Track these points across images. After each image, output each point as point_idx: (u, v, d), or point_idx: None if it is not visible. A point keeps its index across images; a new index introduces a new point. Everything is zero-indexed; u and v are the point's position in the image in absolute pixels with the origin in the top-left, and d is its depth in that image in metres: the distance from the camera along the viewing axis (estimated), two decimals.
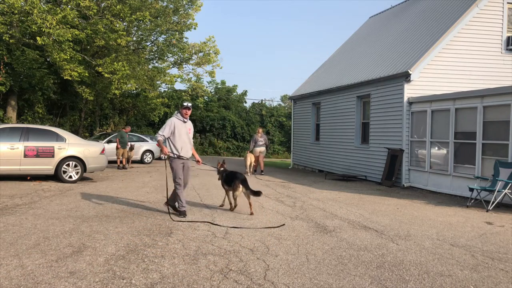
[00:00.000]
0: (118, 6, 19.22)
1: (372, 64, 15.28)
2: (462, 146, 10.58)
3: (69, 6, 18.44)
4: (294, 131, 20.92)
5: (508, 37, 13.01)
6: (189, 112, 7.23)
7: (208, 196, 9.10)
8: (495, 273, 4.60)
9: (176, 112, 7.48)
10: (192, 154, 7.42)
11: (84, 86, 20.29)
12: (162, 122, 31.61)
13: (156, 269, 4.39)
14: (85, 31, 18.61)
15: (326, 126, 17.36)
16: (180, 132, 7.16)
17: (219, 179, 7.96)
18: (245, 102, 36.27)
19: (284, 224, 6.71)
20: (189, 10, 23.74)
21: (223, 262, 4.67)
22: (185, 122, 7.24)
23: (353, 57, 18.41)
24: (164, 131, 7.13)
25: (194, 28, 24.14)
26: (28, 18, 17.54)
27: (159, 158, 22.30)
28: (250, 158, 15.42)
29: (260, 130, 16.56)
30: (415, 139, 12.20)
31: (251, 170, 15.58)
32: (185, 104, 7.19)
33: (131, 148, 17.73)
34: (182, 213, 7.17)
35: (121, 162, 17.17)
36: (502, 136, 9.41)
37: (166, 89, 31.21)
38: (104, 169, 12.91)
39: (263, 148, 15.94)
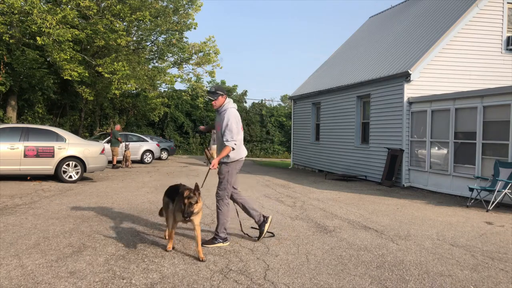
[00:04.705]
0: (118, 6, 19.23)
1: (372, 64, 15.28)
2: (462, 146, 10.58)
3: (69, 6, 18.45)
4: (294, 131, 20.92)
5: (508, 37, 13.01)
6: (214, 104, 5.34)
7: (208, 196, 9.09)
8: (495, 273, 4.59)
9: None
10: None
11: (84, 86, 20.31)
12: (162, 122, 31.63)
13: (156, 269, 4.39)
14: (85, 31, 18.62)
15: (326, 126, 17.36)
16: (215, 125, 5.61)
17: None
18: (245, 102, 36.29)
19: (273, 235, 5.97)
20: (189, 10, 23.77)
21: (223, 262, 4.67)
22: (219, 114, 5.45)
23: (353, 57, 18.41)
24: None
25: (194, 28, 24.18)
26: (28, 18, 17.55)
27: (159, 158, 22.36)
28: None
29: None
30: (415, 139, 12.20)
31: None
32: (207, 91, 5.48)
33: (127, 147, 17.77)
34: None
35: (117, 161, 17.30)
36: (502, 136, 9.41)
37: (166, 89, 31.23)
38: (104, 169, 12.91)
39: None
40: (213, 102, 5.33)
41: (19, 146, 10.99)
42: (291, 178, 14.58)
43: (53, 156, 11.33)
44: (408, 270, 4.60)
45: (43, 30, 16.91)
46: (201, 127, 5.95)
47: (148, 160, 20.10)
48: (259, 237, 5.66)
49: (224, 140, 5.18)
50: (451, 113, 10.90)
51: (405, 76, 12.25)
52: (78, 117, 24.14)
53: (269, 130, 34.52)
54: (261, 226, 5.67)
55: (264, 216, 5.73)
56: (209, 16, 79.06)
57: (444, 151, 11.21)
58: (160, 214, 5.79)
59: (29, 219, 6.64)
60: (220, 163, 5.32)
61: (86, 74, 18.72)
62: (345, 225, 6.81)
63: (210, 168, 5.18)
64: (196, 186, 4.76)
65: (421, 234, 6.31)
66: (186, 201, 4.65)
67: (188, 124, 32.06)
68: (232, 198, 5.58)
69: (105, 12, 19.64)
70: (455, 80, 12.52)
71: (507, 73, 13.01)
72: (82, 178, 11.98)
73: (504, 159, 9.25)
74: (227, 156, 5.27)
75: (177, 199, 4.92)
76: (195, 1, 23.68)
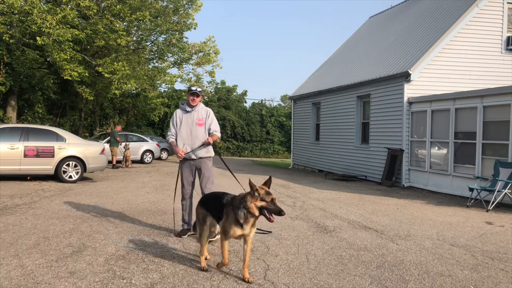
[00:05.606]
0: (118, 6, 19.24)
1: (372, 64, 15.28)
2: (462, 146, 10.58)
3: (69, 6, 18.46)
4: (294, 131, 20.92)
5: (508, 37, 13.01)
6: (196, 99, 5.73)
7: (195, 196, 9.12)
8: (495, 273, 4.59)
9: (181, 102, 6.33)
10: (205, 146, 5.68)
11: (84, 86, 20.31)
12: (162, 122, 31.64)
13: (156, 269, 4.39)
14: (85, 31, 18.63)
15: (326, 126, 17.36)
16: (182, 124, 5.79)
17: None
18: (245, 102, 36.32)
19: (271, 232, 6.16)
20: (189, 10, 23.77)
21: None
22: (187, 111, 5.78)
23: (353, 57, 18.41)
24: (171, 129, 5.90)
25: (194, 28, 24.18)
26: (28, 18, 17.56)
27: (159, 158, 22.35)
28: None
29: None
30: (415, 139, 12.20)
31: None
32: (192, 88, 5.71)
33: (127, 147, 17.77)
34: (180, 233, 5.82)
35: (117, 161, 17.31)
36: (502, 136, 9.41)
37: (166, 89, 31.24)
38: (104, 169, 12.91)
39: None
40: (196, 99, 5.77)
41: (19, 146, 10.99)
42: (291, 178, 14.58)
43: (53, 156, 11.32)
44: (408, 270, 4.60)
45: (43, 30, 16.92)
46: (182, 153, 5.69)
47: (148, 160, 20.10)
48: (179, 234, 5.81)
49: (214, 130, 5.77)
50: (451, 113, 10.90)
51: (405, 76, 12.25)
52: (78, 117, 24.14)
53: (269, 130, 34.53)
54: (184, 232, 5.82)
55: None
56: (209, 16, 79.15)
57: (444, 151, 11.21)
58: (194, 229, 5.39)
59: (29, 219, 6.64)
60: (205, 158, 5.80)
61: (86, 74, 18.73)
62: (345, 225, 6.81)
63: (206, 143, 5.63)
64: (270, 179, 4.08)
65: (421, 234, 6.31)
66: (270, 197, 3.91)
67: None
68: (189, 197, 5.92)
69: (105, 12, 19.64)
70: (455, 80, 12.52)
71: (507, 73, 13.01)
72: (82, 178, 11.97)
73: (504, 159, 9.25)
74: (210, 151, 5.83)
75: (226, 210, 4.15)
76: (195, 1, 23.68)
